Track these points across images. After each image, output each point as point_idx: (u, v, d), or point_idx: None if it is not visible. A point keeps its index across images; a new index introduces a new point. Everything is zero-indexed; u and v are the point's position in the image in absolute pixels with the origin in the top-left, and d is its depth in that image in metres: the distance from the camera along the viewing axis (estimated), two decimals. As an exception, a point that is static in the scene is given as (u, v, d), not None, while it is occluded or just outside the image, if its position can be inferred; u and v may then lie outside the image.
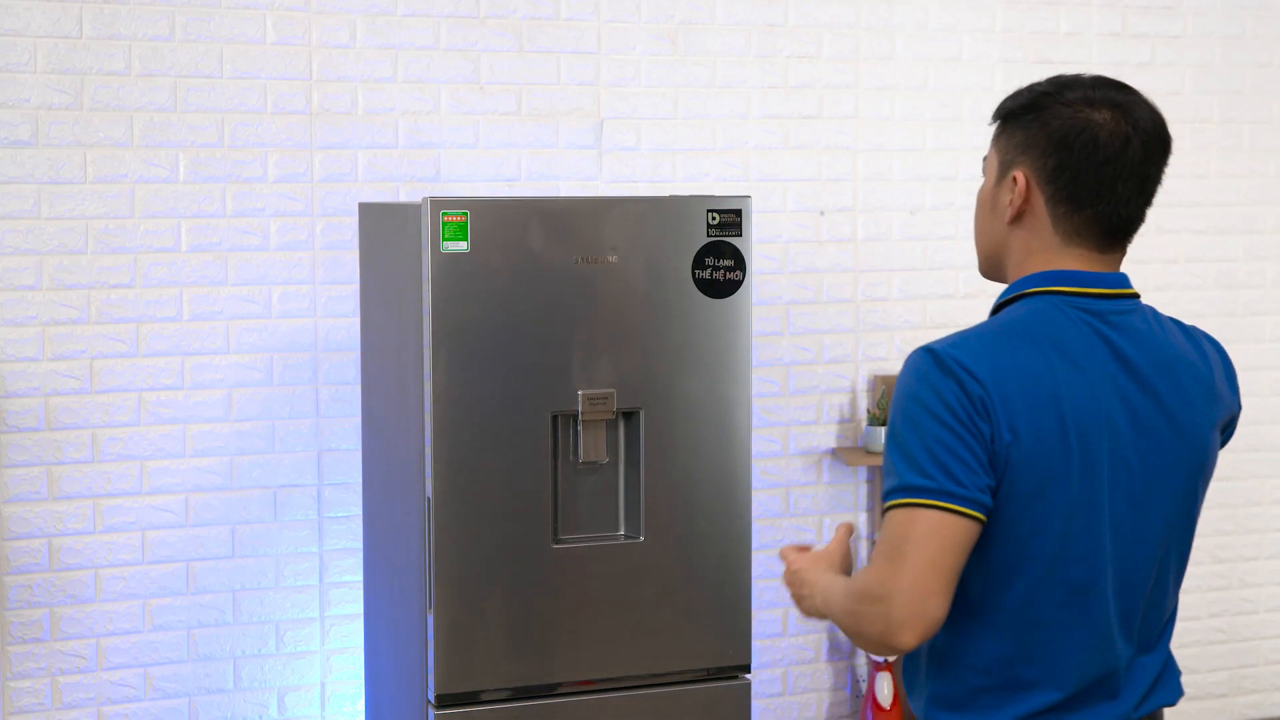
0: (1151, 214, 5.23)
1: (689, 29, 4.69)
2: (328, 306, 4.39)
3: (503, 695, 3.71)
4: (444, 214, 3.62)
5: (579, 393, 3.75)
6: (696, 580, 3.87)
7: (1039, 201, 2.16)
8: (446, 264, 3.63)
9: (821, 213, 4.86)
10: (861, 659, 5.02)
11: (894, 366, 4.99)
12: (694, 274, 3.84)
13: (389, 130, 4.41)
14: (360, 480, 4.32)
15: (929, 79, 4.95)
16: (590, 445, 3.80)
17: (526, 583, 3.73)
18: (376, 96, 4.40)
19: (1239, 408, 2.30)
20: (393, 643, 3.91)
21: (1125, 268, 5.20)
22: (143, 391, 4.25)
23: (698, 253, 3.84)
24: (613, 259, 3.81)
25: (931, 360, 2.06)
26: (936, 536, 1.98)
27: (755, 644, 4.72)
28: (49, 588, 4.20)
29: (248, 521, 4.35)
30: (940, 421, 2.01)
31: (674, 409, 3.84)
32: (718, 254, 3.85)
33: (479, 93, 4.49)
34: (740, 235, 3.86)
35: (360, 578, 4.39)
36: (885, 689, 4.86)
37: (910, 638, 2.01)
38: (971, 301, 5.05)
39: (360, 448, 4.28)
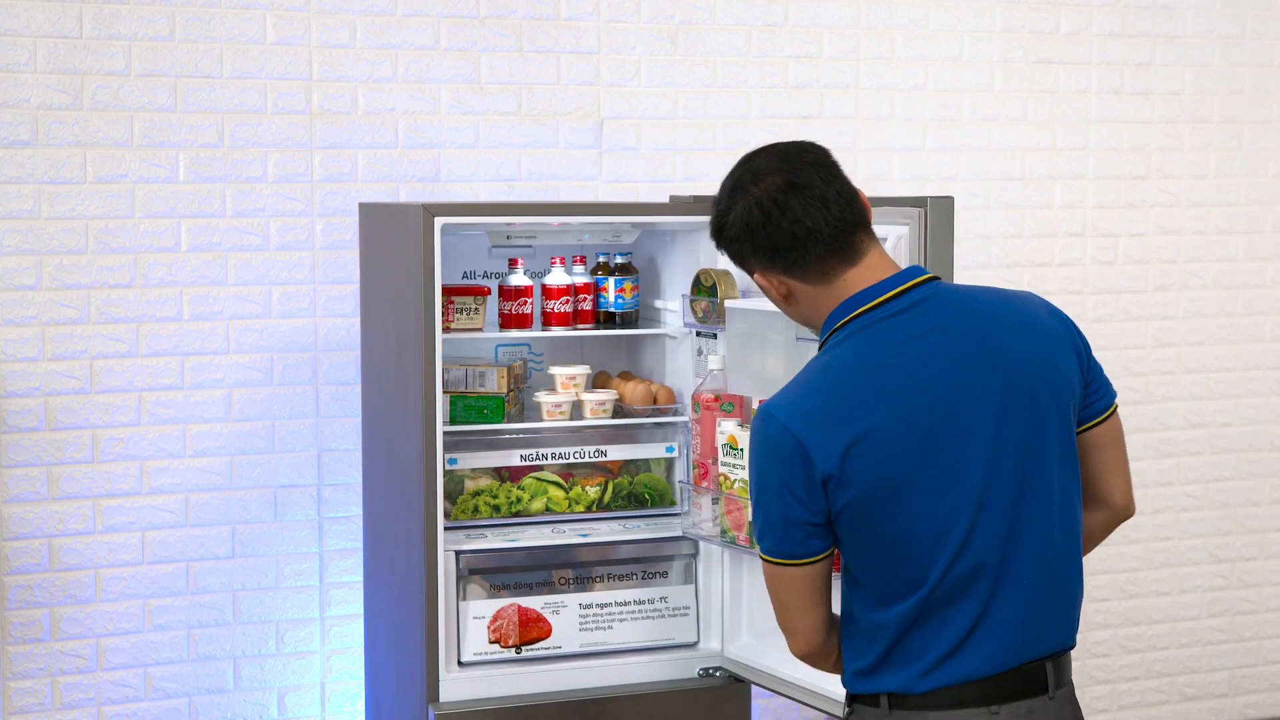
0: (1152, 214, 5.23)
1: (689, 29, 4.69)
2: (328, 306, 4.39)
3: (505, 697, 3.71)
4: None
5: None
6: (697, 580, 3.87)
7: (784, 279, 2.51)
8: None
9: (821, 213, 4.85)
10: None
11: (894, 366, 4.99)
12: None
13: (389, 130, 4.41)
14: (360, 480, 4.32)
15: (929, 79, 4.95)
16: (590, 445, 3.80)
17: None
18: (376, 96, 4.40)
19: (1080, 337, 2.55)
20: (393, 643, 3.91)
21: (1124, 267, 5.21)
22: (143, 391, 4.25)
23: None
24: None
25: (765, 426, 2.42)
26: (793, 583, 2.50)
27: (755, 644, 4.72)
28: (49, 588, 4.20)
29: (248, 521, 4.35)
30: (773, 491, 2.41)
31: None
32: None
33: (479, 93, 4.49)
34: (740, 235, 3.85)
35: (360, 578, 4.38)
36: (885, 689, 4.86)
37: (796, 648, 2.56)
38: (971, 301, 5.04)
39: (360, 448, 4.28)
